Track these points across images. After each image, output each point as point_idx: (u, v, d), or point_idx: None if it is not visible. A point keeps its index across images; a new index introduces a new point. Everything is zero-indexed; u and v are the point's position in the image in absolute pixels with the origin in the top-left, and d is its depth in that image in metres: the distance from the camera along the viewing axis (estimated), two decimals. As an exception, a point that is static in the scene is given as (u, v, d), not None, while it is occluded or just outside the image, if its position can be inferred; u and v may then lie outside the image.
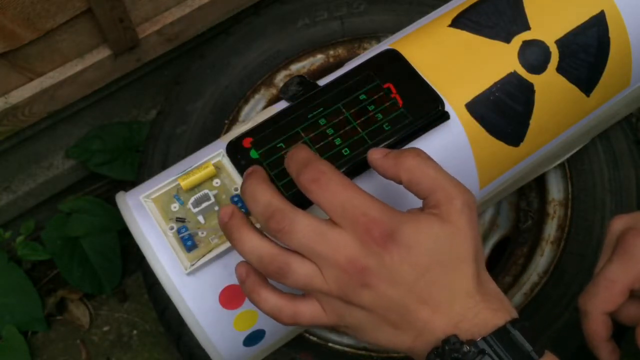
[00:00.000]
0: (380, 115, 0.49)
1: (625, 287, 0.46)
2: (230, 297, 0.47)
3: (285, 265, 0.39)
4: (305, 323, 0.40)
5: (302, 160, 0.41)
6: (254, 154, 0.48)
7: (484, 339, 0.37)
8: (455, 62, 0.52)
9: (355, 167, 0.47)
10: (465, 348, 0.37)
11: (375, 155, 0.42)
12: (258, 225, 0.42)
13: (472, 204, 0.40)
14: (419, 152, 0.41)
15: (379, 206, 0.39)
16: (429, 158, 0.41)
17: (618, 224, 0.49)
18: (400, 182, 0.41)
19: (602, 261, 0.49)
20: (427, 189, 0.40)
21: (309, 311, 0.40)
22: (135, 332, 0.89)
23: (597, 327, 0.47)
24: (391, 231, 0.38)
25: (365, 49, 0.74)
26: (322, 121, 0.49)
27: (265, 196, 0.40)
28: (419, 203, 0.41)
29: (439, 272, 0.39)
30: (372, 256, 0.38)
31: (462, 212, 0.39)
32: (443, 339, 0.37)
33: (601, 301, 0.47)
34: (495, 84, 0.51)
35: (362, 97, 0.50)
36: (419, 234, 0.39)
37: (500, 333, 0.38)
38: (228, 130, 0.72)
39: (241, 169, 0.48)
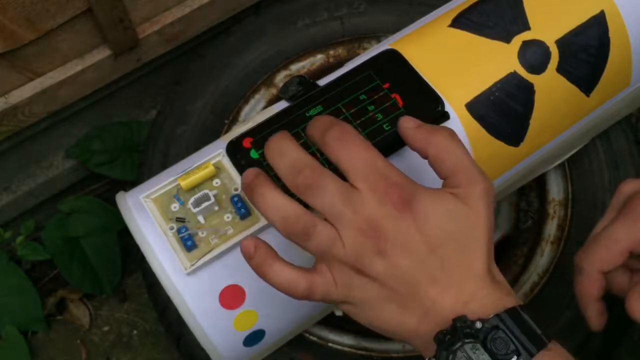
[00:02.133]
0: (380, 116, 0.49)
1: (626, 248, 0.46)
2: (230, 297, 0.47)
3: (311, 225, 0.38)
4: (318, 296, 0.40)
5: (327, 122, 0.41)
6: (254, 154, 0.48)
7: (496, 315, 0.37)
8: (455, 62, 0.52)
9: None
10: (478, 324, 0.37)
11: (408, 124, 0.42)
12: None
13: (491, 192, 0.40)
14: (452, 133, 0.41)
15: (398, 172, 0.39)
16: (460, 141, 0.41)
17: (628, 187, 0.49)
18: (425, 156, 0.41)
19: (603, 221, 0.49)
20: (451, 168, 0.40)
21: (322, 283, 0.40)
22: (135, 332, 0.89)
23: (590, 285, 0.47)
24: (410, 197, 0.38)
25: (365, 49, 0.74)
26: (322, 121, 0.49)
27: (294, 151, 0.40)
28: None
29: (452, 250, 0.39)
30: (389, 219, 0.38)
31: (481, 198, 0.39)
32: (453, 317, 0.37)
33: (599, 259, 0.46)
34: (495, 84, 0.51)
35: (362, 97, 0.50)
36: (435, 206, 0.39)
37: (512, 313, 0.37)
38: (228, 130, 0.72)
39: (241, 169, 0.48)
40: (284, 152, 0.40)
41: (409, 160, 0.49)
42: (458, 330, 0.37)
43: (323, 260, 0.40)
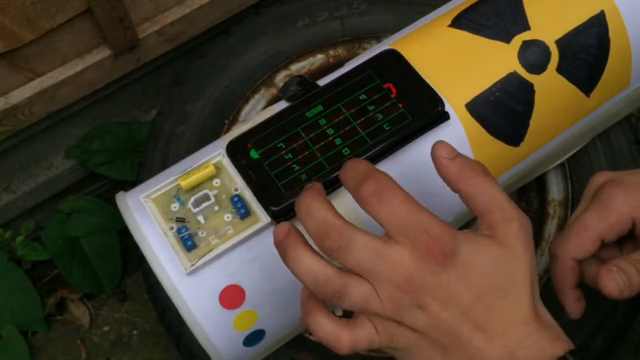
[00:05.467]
0: (380, 116, 0.49)
1: (597, 235, 0.46)
2: (230, 297, 0.47)
3: (343, 288, 0.37)
4: (361, 349, 0.39)
5: (361, 173, 0.39)
6: (254, 154, 0.48)
7: None
8: (455, 62, 0.52)
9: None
10: None
11: (443, 153, 0.40)
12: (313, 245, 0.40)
13: (528, 228, 0.39)
14: (486, 170, 0.40)
15: (439, 224, 0.37)
16: (493, 177, 0.40)
17: (599, 178, 0.50)
18: (456, 191, 0.40)
19: (577, 212, 0.49)
20: (484, 206, 0.38)
21: (365, 336, 0.38)
22: (135, 332, 0.89)
23: (565, 273, 0.47)
24: (450, 250, 0.37)
25: (365, 49, 0.74)
26: (322, 121, 0.49)
27: (320, 212, 0.38)
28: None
29: (495, 297, 0.37)
30: (429, 275, 0.36)
31: (519, 236, 0.38)
32: None
33: (572, 246, 0.47)
34: (495, 84, 0.51)
35: (362, 97, 0.50)
36: (477, 255, 0.37)
37: None
38: (228, 130, 0.72)
39: (241, 169, 0.48)
40: (311, 212, 0.38)
41: (409, 162, 0.49)
42: None
43: (362, 314, 0.39)
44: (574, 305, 0.48)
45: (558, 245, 0.48)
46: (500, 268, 0.37)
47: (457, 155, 0.40)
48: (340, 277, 0.38)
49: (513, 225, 0.38)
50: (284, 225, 0.40)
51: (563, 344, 0.37)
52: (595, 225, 0.46)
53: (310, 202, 0.39)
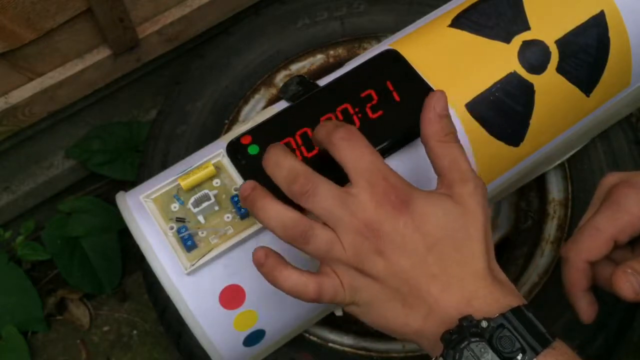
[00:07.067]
0: (380, 115, 0.49)
1: (610, 237, 0.46)
2: (230, 297, 0.47)
3: (309, 229, 0.40)
4: (326, 298, 0.41)
5: (334, 124, 0.42)
6: (252, 151, 0.48)
7: (502, 315, 0.38)
8: (455, 62, 0.52)
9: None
10: (484, 323, 0.37)
11: (437, 107, 0.43)
12: None
13: (483, 191, 0.41)
14: (457, 138, 0.43)
15: (398, 176, 0.41)
16: (462, 147, 0.43)
17: (609, 180, 0.49)
18: (425, 144, 0.43)
19: (587, 214, 0.49)
20: (446, 166, 0.41)
21: (331, 285, 0.41)
22: (135, 332, 0.89)
23: (577, 276, 0.47)
24: (407, 198, 0.40)
25: (365, 49, 0.74)
26: (322, 121, 0.49)
27: (289, 161, 0.41)
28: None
29: (449, 247, 0.40)
30: (387, 220, 0.39)
31: (474, 195, 0.41)
32: (459, 317, 0.38)
33: (584, 249, 0.47)
34: (495, 84, 0.52)
35: (362, 97, 0.50)
36: (431, 206, 0.40)
37: (516, 312, 0.38)
38: (228, 130, 0.72)
39: (241, 169, 0.48)
40: (280, 163, 0.41)
41: (408, 162, 0.49)
42: (464, 330, 0.37)
43: (327, 264, 0.41)
44: (586, 309, 0.47)
45: (570, 248, 0.47)
46: (454, 221, 0.40)
47: (445, 116, 0.43)
48: (306, 220, 0.40)
49: (469, 185, 0.41)
50: (249, 182, 0.42)
51: (517, 298, 0.39)
52: (607, 227, 0.46)
53: (278, 155, 0.41)
